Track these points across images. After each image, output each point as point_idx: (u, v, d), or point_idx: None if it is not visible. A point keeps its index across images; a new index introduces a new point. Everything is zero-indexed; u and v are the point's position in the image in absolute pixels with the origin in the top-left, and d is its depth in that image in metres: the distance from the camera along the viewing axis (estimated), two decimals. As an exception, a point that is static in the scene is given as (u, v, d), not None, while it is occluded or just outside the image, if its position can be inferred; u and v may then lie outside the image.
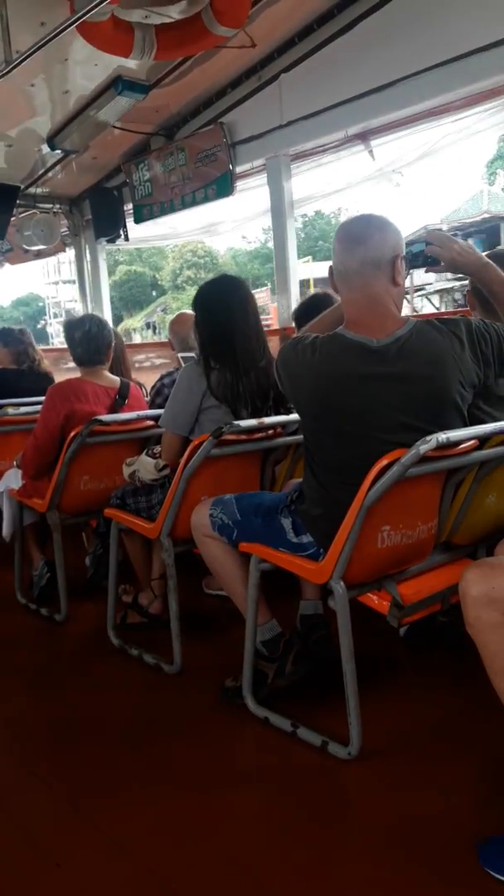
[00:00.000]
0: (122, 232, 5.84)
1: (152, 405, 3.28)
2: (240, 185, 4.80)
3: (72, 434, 2.72)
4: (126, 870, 1.54)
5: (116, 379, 3.04)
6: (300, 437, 2.31)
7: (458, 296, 16.48)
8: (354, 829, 1.63)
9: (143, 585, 2.83)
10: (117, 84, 4.22)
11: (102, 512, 2.69)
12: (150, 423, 2.85)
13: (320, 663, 2.16)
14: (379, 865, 1.50)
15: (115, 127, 4.83)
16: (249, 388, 2.47)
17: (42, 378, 3.90)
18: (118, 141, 5.21)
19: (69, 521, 2.95)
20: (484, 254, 1.95)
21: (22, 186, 5.77)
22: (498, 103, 3.66)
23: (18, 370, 3.91)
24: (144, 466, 2.53)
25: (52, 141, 4.94)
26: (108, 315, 6.49)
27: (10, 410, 3.35)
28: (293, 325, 3.35)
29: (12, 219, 5.82)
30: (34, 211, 6.05)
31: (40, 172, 5.68)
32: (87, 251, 6.47)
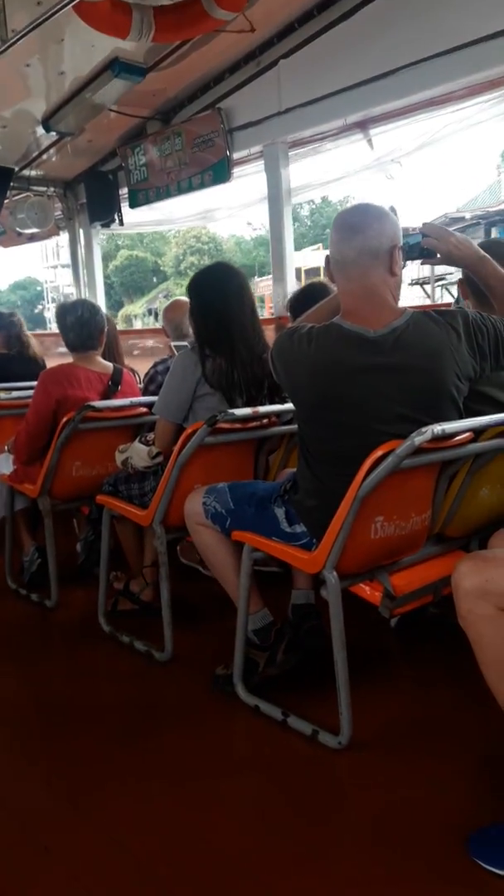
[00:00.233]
0: (116, 216, 5.79)
1: (146, 392, 3.26)
2: (237, 171, 4.76)
3: (64, 420, 2.70)
4: (117, 859, 1.54)
5: (109, 365, 3.03)
6: (295, 426, 2.30)
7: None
8: (344, 819, 1.64)
9: (135, 573, 2.83)
10: (114, 66, 4.16)
11: (94, 498, 2.67)
12: (144, 409, 2.83)
13: (311, 653, 2.17)
14: (369, 855, 1.51)
15: (111, 110, 4.78)
16: (244, 376, 2.46)
17: (33, 362, 3.88)
18: (114, 124, 5.16)
19: (60, 508, 2.94)
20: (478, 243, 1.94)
21: (16, 168, 5.71)
22: (500, 94, 3.64)
23: (8, 355, 3.89)
24: (137, 453, 2.52)
25: (47, 123, 4.88)
26: (101, 300, 6.45)
27: (2, 395, 3.33)
28: (288, 314, 3.33)
29: (6, 201, 5.77)
30: (28, 194, 5.99)
31: (35, 154, 5.62)
32: (82, 235, 6.42)
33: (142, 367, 3.68)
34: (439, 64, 3.51)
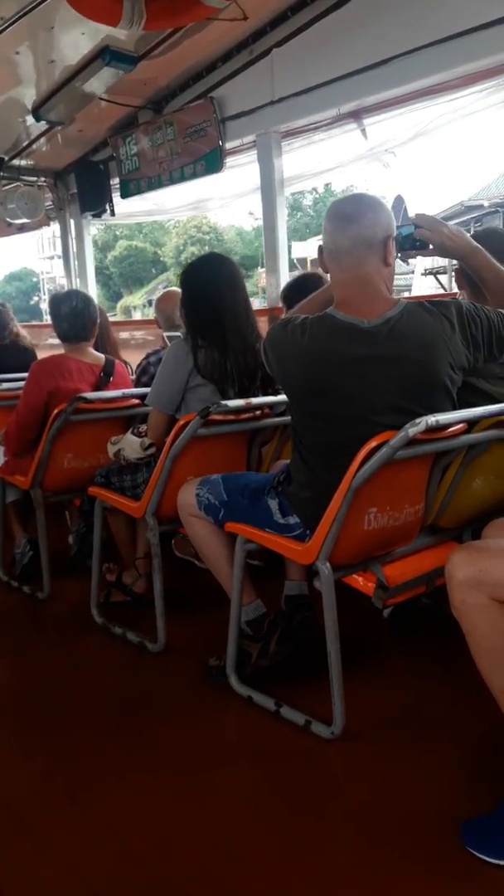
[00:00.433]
0: (108, 207, 5.75)
1: (138, 384, 3.25)
2: (230, 161, 4.73)
3: (55, 411, 2.69)
4: (113, 850, 1.54)
5: (101, 356, 3.01)
6: (288, 418, 2.30)
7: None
8: (337, 808, 1.64)
9: (128, 564, 2.82)
10: (105, 54, 4.11)
11: (86, 490, 2.66)
12: (136, 401, 2.82)
13: (304, 643, 2.17)
14: (361, 845, 1.51)
15: (101, 99, 4.73)
16: (237, 367, 2.45)
17: (25, 353, 3.85)
18: (105, 114, 5.11)
19: (53, 500, 2.93)
20: (471, 234, 1.94)
21: (6, 158, 5.66)
22: (495, 83, 3.61)
23: (0, 346, 3.86)
24: (130, 445, 2.51)
25: (37, 112, 4.83)
26: (93, 291, 6.41)
27: (-8, 386, 3.31)
28: (281, 304, 3.32)
29: (-5, 191, 5.72)
30: (18, 184, 5.93)
31: (25, 144, 5.56)
32: (73, 225, 6.37)
33: (134, 358, 3.67)
34: (434, 53, 3.48)
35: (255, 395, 2.45)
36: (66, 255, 6.58)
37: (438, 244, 1.85)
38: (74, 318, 2.91)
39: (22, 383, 2.94)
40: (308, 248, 19.93)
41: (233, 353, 2.43)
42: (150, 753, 1.87)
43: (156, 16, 3.40)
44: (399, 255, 1.89)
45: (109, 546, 2.80)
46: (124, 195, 5.46)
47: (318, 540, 1.79)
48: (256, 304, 4.32)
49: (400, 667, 2.27)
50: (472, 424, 1.85)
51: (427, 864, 1.44)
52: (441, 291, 12.19)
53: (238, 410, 2.27)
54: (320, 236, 1.95)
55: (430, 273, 13.74)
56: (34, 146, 5.58)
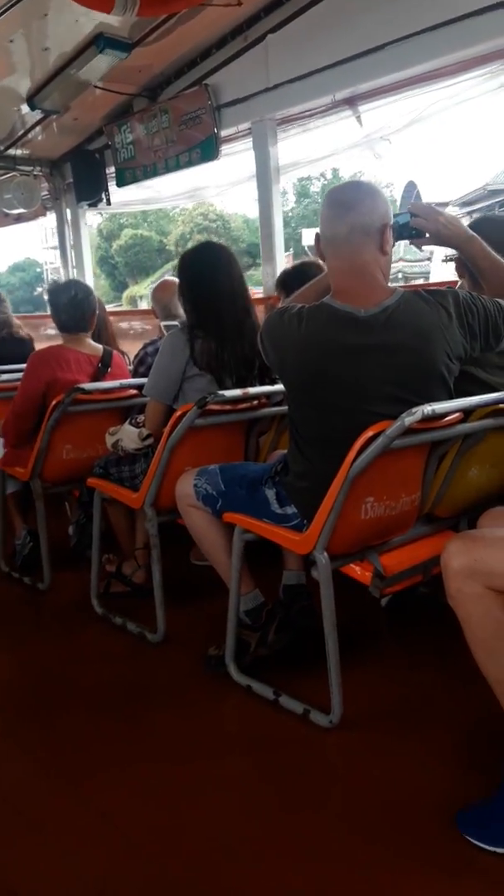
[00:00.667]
0: (104, 196, 5.73)
1: (135, 374, 3.25)
2: (225, 149, 4.71)
3: (53, 402, 2.69)
4: (108, 838, 1.55)
5: (99, 347, 3.01)
6: (285, 408, 2.30)
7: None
8: (334, 796, 1.66)
9: (127, 555, 2.83)
10: (99, 41, 4.09)
11: (85, 481, 2.67)
12: (134, 392, 2.82)
13: (302, 633, 2.18)
14: (357, 832, 1.53)
15: (96, 87, 4.71)
16: (234, 356, 2.45)
17: (21, 344, 3.84)
18: (100, 102, 5.08)
19: (52, 491, 2.93)
20: (468, 223, 1.93)
21: (1, 148, 5.63)
22: (491, 69, 3.59)
23: (-2, 337, 3.85)
24: (128, 436, 2.51)
25: (31, 100, 4.81)
26: (90, 281, 6.39)
27: (-9, 378, 3.31)
28: (278, 292, 3.31)
29: (-9, 181, 5.70)
30: (14, 173, 5.90)
31: (20, 133, 5.53)
32: (69, 215, 6.35)
33: (133, 348, 3.67)
34: (429, 39, 3.45)
35: (252, 385, 2.45)
36: (62, 246, 6.56)
37: (434, 232, 1.85)
38: (73, 308, 2.90)
39: (19, 374, 2.94)
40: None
41: (230, 342, 2.43)
42: (150, 743, 1.89)
43: (149, 2, 3.38)
44: (394, 242, 1.88)
45: (109, 537, 2.81)
46: (120, 184, 5.43)
47: (315, 529, 1.80)
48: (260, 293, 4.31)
49: (397, 656, 2.28)
50: (468, 413, 1.85)
51: (423, 850, 1.46)
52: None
53: (235, 400, 2.27)
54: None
55: (451, 259, 13.63)
56: (29, 135, 5.56)
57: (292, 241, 22.28)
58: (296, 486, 1.92)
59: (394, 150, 4.49)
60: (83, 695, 2.15)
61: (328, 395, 1.80)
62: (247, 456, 2.53)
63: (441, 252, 13.69)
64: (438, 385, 1.79)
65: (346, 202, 1.80)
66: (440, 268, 14.87)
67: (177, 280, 2.68)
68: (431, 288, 1.86)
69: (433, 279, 13.91)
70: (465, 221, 2.01)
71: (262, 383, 2.50)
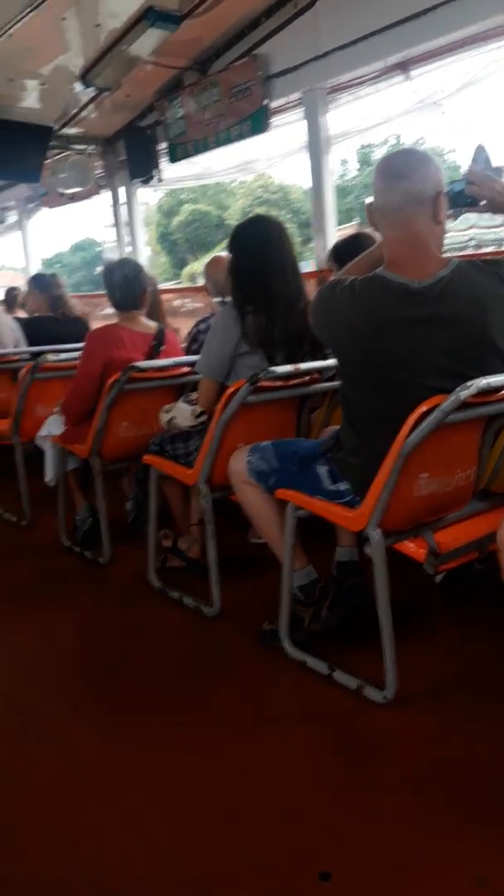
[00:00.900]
0: (155, 172, 5.74)
1: (188, 351, 3.26)
2: (276, 120, 4.65)
3: (110, 381, 2.73)
4: (171, 802, 1.60)
5: (153, 325, 3.03)
6: (337, 383, 2.28)
7: None
8: (387, 771, 1.67)
9: (183, 530, 2.87)
10: (149, 15, 4.08)
11: (141, 458, 2.71)
12: (187, 369, 2.84)
13: (355, 609, 2.19)
14: (410, 806, 1.53)
15: (147, 62, 4.70)
16: (284, 332, 2.43)
17: (76, 323, 3.91)
18: (151, 77, 5.08)
19: (110, 468, 2.99)
20: None
21: (55, 127, 5.67)
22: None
23: (54, 317, 3.93)
24: (182, 413, 2.53)
25: (85, 78, 4.83)
26: (144, 259, 6.43)
27: (51, 357, 3.38)
28: (330, 265, 3.26)
29: (46, 161, 5.75)
30: (68, 152, 5.96)
31: (73, 112, 5.57)
32: (123, 193, 6.38)
33: (186, 325, 3.68)
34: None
35: (303, 360, 2.43)
36: (117, 223, 6.60)
37: (490, 199, 1.80)
38: (126, 286, 2.93)
39: (76, 353, 2.99)
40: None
41: (280, 318, 2.41)
42: (208, 713, 1.93)
43: (198, -28, 3.34)
44: (451, 212, 1.83)
45: (165, 512, 2.86)
46: (173, 159, 5.43)
47: (368, 506, 1.79)
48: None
49: (452, 633, 2.26)
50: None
51: (477, 824, 1.46)
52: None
53: (287, 376, 2.26)
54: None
55: None
56: (83, 113, 5.59)
57: (358, 210, 21.81)
58: (348, 462, 1.91)
59: (453, 115, 4.36)
60: (142, 665, 2.21)
61: (380, 369, 1.78)
62: (299, 432, 2.53)
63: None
64: (494, 357, 1.74)
65: (398, 171, 1.76)
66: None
67: (228, 255, 2.67)
68: (486, 258, 1.81)
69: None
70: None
71: (314, 358, 2.47)
